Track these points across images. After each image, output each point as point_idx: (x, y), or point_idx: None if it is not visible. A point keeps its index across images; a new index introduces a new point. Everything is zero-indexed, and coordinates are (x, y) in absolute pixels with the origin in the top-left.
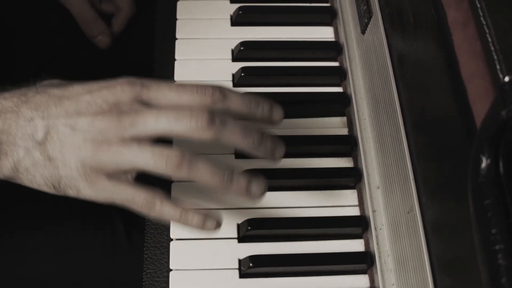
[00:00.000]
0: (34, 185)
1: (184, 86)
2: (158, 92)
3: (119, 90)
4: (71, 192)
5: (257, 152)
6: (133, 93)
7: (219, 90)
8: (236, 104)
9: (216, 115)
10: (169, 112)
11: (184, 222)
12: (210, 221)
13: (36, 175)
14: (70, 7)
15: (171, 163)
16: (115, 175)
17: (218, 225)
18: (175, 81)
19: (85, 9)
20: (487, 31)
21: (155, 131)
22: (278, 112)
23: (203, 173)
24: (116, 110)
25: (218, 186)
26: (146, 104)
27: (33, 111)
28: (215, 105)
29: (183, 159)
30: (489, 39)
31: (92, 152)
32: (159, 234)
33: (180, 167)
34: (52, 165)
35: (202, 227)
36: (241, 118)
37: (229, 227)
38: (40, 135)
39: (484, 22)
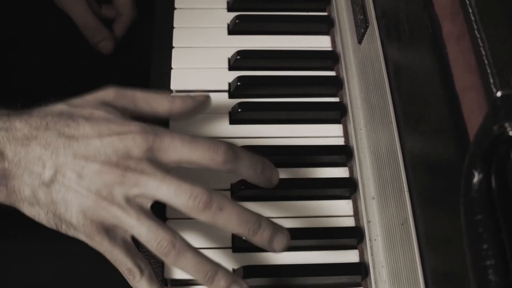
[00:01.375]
0: (37, 220)
1: (197, 141)
2: (170, 145)
3: (131, 141)
4: (71, 234)
5: (252, 240)
6: (145, 146)
7: (232, 150)
8: (245, 168)
9: (215, 199)
10: (171, 184)
11: None
12: None
13: (41, 213)
14: (72, 15)
15: (160, 248)
16: (112, 232)
17: None
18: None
19: (88, 17)
20: (481, 44)
21: (155, 197)
22: (276, 177)
23: (183, 267)
24: (123, 165)
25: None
26: (155, 163)
27: (42, 149)
28: (225, 165)
29: (172, 249)
30: (483, 53)
31: (93, 205)
32: None
33: (168, 255)
34: (55, 208)
35: None
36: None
37: (224, 237)
38: (47, 176)
39: (478, 36)
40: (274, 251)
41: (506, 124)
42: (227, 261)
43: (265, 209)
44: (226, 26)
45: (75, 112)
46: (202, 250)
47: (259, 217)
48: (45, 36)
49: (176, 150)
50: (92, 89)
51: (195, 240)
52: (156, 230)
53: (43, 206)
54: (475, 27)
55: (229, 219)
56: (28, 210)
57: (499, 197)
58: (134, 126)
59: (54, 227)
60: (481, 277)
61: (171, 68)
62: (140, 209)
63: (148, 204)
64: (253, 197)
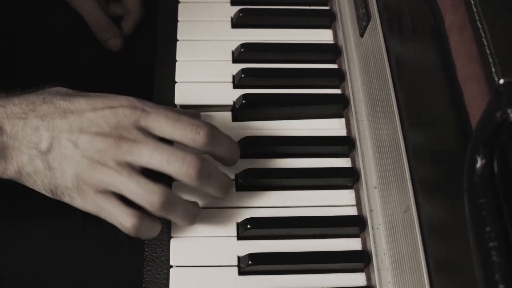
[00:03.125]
0: (35, 188)
1: (180, 120)
2: (155, 121)
3: (121, 113)
4: (66, 200)
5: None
6: (133, 118)
7: (211, 133)
8: (223, 151)
9: (206, 168)
10: (163, 152)
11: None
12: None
13: (37, 181)
14: (83, 12)
15: (151, 201)
16: (104, 192)
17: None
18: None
19: (98, 14)
20: (483, 35)
21: (147, 164)
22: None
23: (176, 217)
24: (116, 134)
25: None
26: (145, 132)
27: (39, 120)
28: (204, 147)
29: (162, 203)
30: (485, 43)
31: (87, 169)
32: (160, 231)
33: (157, 208)
34: (51, 174)
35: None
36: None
37: (228, 225)
38: (44, 145)
39: (480, 26)
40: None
41: (509, 111)
42: (232, 249)
43: (269, 199)
44: (229, 19)
45: (73, 91)
46: (207, 238)
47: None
48: (50, 32)
49: (160, 126)
50: (97, 83)
51: (200, 228)
52: (146, 184)
53: (40, 173)
54: (477, 18)
55: (214, 186)
56: (26, 179)
57: (502, 182)
58: (125, 100)
59: (50, 193)
60: (485, 258)
61: (176, 61)
62: (131, 169)
63: (139, 169)
64: (257, 186)
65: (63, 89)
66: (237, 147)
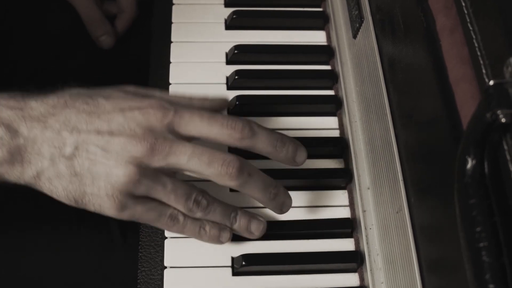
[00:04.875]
0: (54, 195)
1: (215, 118)
2: (190, 122)
3: (152, 115)
4: (92, 208)
5: (267, 205)
6: (166, 120)
7: (249, 126)
8: (263, 143)
9: (245, 167)
10: (203, 155)
11: (201, 238)
12: (225, 233)
13: (59, 187)
14: (77, 6)
15: (193, 209)
16: (141, 197)
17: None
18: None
19: (92, 9)
20: (474, 36)
21: (184, 168)
22: (301, 155)
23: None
24: (150, 137)
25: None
26: (179, 135)
27: (61, 124)
28: (243, 141)
29: (204, 208)
30: (476, 45)
31: (123, 178)
32: (154, 233)
33: (197, 210)
34: (78, 181)
35: (217, 241)
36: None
37: None
38: (68, 150)
39: (471, 28)
40: (281, 213)
41: (499, 112)
42: (225, 250)
43: None
44: (223, 21)
45: (94, 92)
46: None
47: (276, 183)
48: (45, 31)
49: (195, 126)
50: (93, 84)
51: None
52: (192, 186)
53: (64, 178)
54: (468, 20)
55: (255, 187)
56: (46, 186)
57: (492, 182)
58: (154, 101)
59: (72, 201)
60: (475, 258)
61: (170, 62)
62: (170, 175)
63: (175, 173)
64: None
65: (82, 91)
66: (281, 138)
